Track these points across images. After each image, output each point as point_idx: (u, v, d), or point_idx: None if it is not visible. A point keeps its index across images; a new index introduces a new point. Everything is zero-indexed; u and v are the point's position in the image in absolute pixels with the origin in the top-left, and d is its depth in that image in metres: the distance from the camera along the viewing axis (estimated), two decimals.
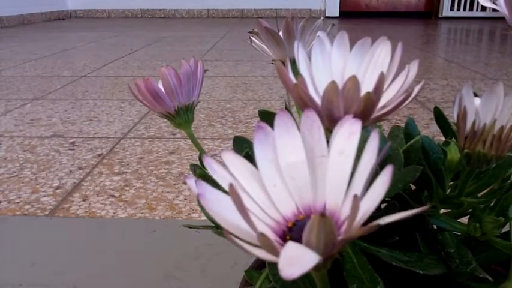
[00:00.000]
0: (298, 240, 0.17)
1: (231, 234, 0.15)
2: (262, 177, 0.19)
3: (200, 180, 0.17)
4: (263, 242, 0.14)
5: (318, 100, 0.22)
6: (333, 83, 0.19)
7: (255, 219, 0.18)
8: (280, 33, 0.36)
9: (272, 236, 0.17)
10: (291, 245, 0.14)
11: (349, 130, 0.18)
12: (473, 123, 0.25)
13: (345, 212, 0.17)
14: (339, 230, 0.17)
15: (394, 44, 0.24)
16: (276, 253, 0.14)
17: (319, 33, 0.25)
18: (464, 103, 0.25)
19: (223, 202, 0.17)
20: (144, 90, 0.32)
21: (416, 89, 0.22)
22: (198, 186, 0.17)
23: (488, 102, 0.27)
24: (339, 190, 0.18)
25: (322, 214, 0.14)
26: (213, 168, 0.19)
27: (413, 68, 0.22)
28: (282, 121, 0.19)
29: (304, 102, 0.21)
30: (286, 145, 0.19)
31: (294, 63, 0.36)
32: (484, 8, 4.58)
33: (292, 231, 0.17)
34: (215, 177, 0.18)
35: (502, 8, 0.29)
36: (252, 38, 0.37)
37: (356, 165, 0.17)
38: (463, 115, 0.24)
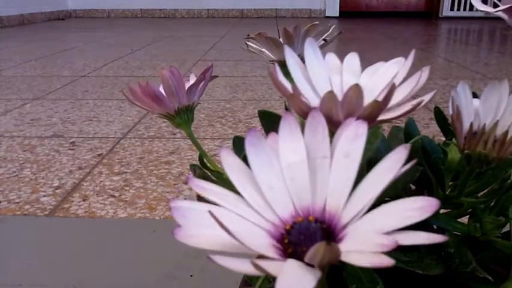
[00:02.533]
0: (296, 243, 0.16)
1: (223, 254, 0.14)
2: (258, 181, 0.18)
3: (177, 205, 0.17)
4: (259, 269, 0.14)
5: (317, 99, 0.22)
6: (331, 93, 0.19)
7: (250, 226, 0.17)
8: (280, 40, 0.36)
9: (269, 241, 0.17)
10: (288, 267, 0.14)
11: (354, 132, 0.18)
12: (471, 124, 0.24)
13: (345, 216, 0.17)
14: (338, 236, 0.16)
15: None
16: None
17: (308, 39, 0.25)
18: (457, 103, 0.25)
19: (209, 221, 0.16)
20: (141, 95, 0.32)
21: (428, 96, 0.22)
22: (174, 212, 0.17)
23: (489, 100, 0.27)
24: (341, 193, 0.17)
25: (328, 241, 0.13)
26: (202, 187, 0.18)
27: (424, 74, 0.22)
28: (287, 123, 0.19)
29: (302, 110, 0.21)
30: (288, 147, 0.19)
31: (284, 65, 0.36)
32: None
33: (291, 234, 0.17)
34: (206, 195, 0.18)
35: (502, 14, 0.29)
36: (248, 43, 0.37)
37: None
38: (457, 116, 0.24)
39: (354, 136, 0.18)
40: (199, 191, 0.18)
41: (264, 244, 0.16)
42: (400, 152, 0.16)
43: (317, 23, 0.35)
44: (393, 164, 0.16)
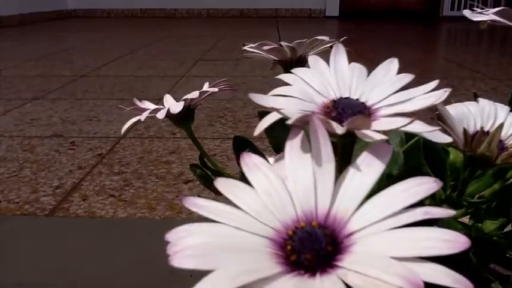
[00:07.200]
0: (300, 250, 0.16)
1: None
2: (255, 188, 0.18)
3: (172, 233, 0.17)
4: None
5: (322, 98, 0.22)
6: (327, 122, 0.19)
7: (248, 239, 0.17)
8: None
9: (269, 250, 0.16)
10: None
11: (380, 150, 0.18)
12: (464, 128, 0.24)
13: (354, 223, 0.16)
14: (342, 243, 0.16)
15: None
16: None
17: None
18: (439, 106, 0.24)
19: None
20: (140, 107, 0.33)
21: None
22: (169, 249, 0.17)
23: (488, 105, 0.27)
24: (353, 199, 0.17)
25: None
26: (197, 204, 0.18)
27: (444, 95, 0.22)
28: (293, 135, 0.19)
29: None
30: (294, 153, 0.18)
31: (285, 64, 0.36)
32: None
33: (294, 240, 0.17)
34: (201, 213, 0.18)
35: (501, 20, 0.29)
36: (245, 48, 0.37)
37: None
38: (440, 118, 0.24)
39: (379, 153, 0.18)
40: (195, 209, 0.18)
41: (263, 257, 0.16)
42: (428, 182, 0.16)
43: (325, 38, 0.35)
44: (417, 188, 0.16)
